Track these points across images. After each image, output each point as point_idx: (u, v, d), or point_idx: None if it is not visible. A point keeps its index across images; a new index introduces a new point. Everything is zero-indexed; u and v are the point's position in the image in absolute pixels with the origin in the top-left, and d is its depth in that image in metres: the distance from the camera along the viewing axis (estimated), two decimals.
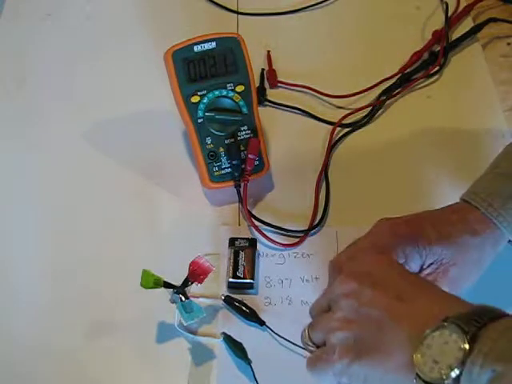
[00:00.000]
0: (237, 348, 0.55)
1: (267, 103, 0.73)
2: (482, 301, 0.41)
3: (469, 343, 0.37)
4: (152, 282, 0.55)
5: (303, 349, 0.55)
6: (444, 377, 0.38)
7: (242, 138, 0.64)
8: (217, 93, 0.63)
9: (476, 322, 0.38)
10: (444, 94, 0.75)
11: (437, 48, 0.78)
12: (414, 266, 0.51)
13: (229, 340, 0.56)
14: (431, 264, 0.51)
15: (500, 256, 0.53)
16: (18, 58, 0.77)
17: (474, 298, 0.42)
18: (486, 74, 0.76)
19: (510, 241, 0.54)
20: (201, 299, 0.58)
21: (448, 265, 0.51)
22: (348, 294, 0.47)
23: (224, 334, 0.56)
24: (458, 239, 0.51)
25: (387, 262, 0.48)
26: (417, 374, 0.39)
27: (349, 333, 0.45)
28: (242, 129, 0.64)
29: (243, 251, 0.60)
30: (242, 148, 0.64)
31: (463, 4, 0.82)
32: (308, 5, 0.83)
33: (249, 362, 0.55)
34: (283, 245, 0.62)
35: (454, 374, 0.37)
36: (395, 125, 0.72)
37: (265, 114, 0.69)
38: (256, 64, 0.67)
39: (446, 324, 0.39)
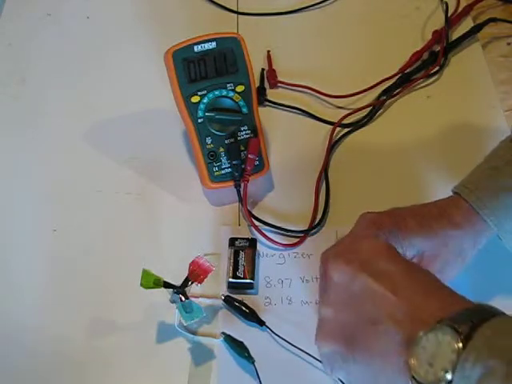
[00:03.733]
0: (239, 347, 0.55)
1: (267, 103, 0.73)
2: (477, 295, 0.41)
3: (462, 343, 0.37)
4: (152, 281, 0.54)
5: (302, 351, 0.55)
6: (439, 379, 0.37)
7: (242, 137, 0.64)
8: (217, 93, 0.63)
9: (470, 321, 0.38)
10: (444, 94, 0.75)
11: (437, 48, 0.78)
12: None
13: (230, 340, 0.56)
14: (413, 257, 0.51)
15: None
16: (17, 58, 0.77)
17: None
18: (486, 74, 0.76)
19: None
20: (201, 299, 0.58)
21: (430, 257, 0.52)
22: (341, 280, 0.46)
23: (224, 333, 0.56)
24: (438, 231, 0.52)
25: (385, 250, 0.47)
26: (412, 377, 0.39)
27: (337, 319, 0.45)
28: (242, 129, 0.64)
29: (243, 251, 0.60)
30: (242, 148, 0.64)
31: (463, 4, 0.82)
32: (308, 5, 0.83)
33: (252, 361, 0.54)
34: (283, 245, 0.62)
35: (450, 376, 0.37)
36: (395, 125, 0.72)
37: (265, 114, 0.69)
38: (256, 64, 0.67)
39: (439, 325, 0.39)
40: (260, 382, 0.53)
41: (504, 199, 0.52)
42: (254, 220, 0.63)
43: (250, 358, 0.54)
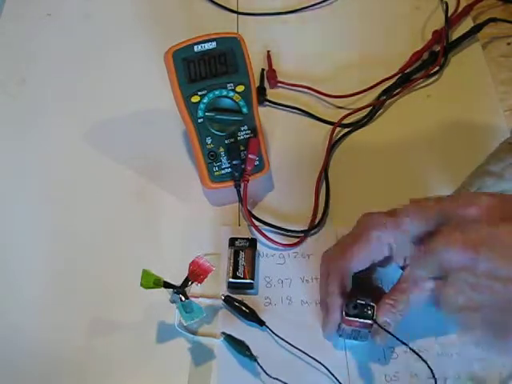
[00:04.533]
0: (240, 346, 0.55)
1: (267, 103, 0.73)
2: None
3: None
4: (152, 281, 0.54)
5: (302, 351, 0.55)
6: None
7: (242, 137, 0.64)
8: (217, 93, 0.63)
9: None
10: (444, 94, 0.75)
11: (437, 48, 0.78)
12: (399, 260, 0.51)
13: (230, 339, 0.55)
14: None
15: None
16: (17, 58, 0.77)
17: None
18: (486, 74, 0.76)
19: None
20: (201, 299, 0.58)
21: None
22: (462, 266, 0.43)
23: (224, 333, 0.56)
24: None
25: (486, 218, 0.43)
26: None
27: (474, 312, 0.42)
28: (242, 129, 0.64)
29: (243, 251, 0.60)
30: (242, 148, 0.64)
31: (463, 4, 0.82)
32: (308, 5, 0.83)
33: (255, 358, 0.54)
34: (283, 245, 0.62)
35: None
36: (395, 125, 0.72)
37: (265, 114, 0.69)
38: (256, 64, 0.67)
39: None
40: (266, 373, 0.53)
41: None
42: (254, 220, 0.63)
43: (251, 356, 0.54)
